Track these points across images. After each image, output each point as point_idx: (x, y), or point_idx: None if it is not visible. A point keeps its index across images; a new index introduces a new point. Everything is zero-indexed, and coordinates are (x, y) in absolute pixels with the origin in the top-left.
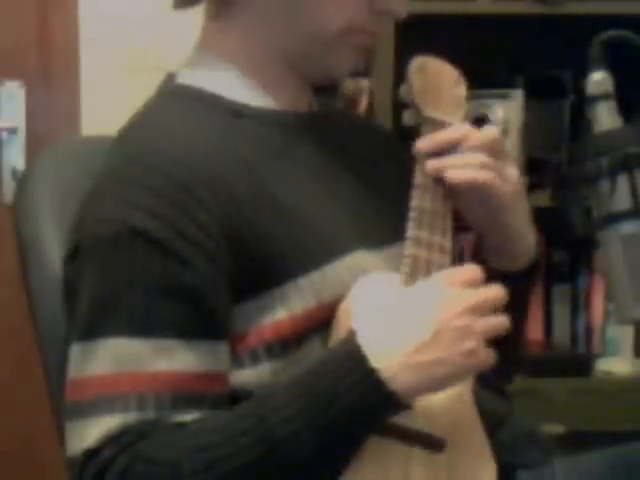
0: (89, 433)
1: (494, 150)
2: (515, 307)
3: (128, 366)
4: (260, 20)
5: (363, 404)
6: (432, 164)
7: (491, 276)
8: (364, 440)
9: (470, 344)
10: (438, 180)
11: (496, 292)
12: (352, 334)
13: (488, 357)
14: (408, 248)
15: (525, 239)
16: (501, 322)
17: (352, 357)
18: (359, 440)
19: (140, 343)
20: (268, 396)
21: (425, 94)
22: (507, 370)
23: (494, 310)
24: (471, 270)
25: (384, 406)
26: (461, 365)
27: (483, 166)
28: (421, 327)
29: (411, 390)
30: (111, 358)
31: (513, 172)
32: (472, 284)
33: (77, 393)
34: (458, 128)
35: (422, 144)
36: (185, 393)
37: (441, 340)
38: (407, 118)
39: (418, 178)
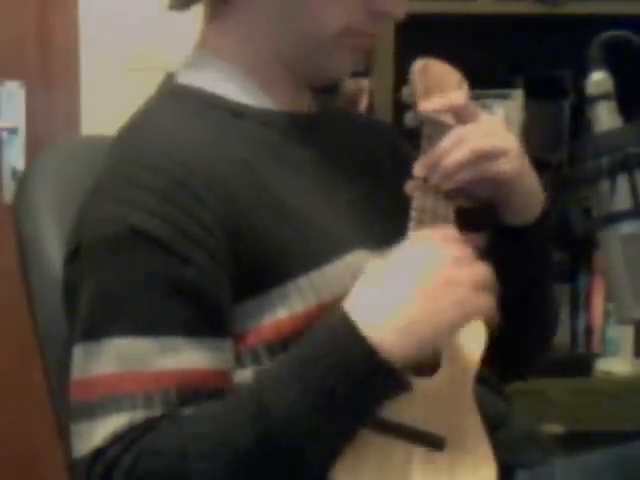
0: (96, 433)
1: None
2: (539, 261)
3: (133, 365)
4: (256, 21)
5: (357, 375)
6: (418, 167)
7: (509, 234)
8: (365, 417)
9: (459, 293)
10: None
11: (469, 249)
12: (340, 307)
13: (480, 304)
14: None
15: (536, 193)
16: (485, 270)
17: (341, 330)
18: (360, 417)
19: (144, 342)
20: (267, 380)
21: (427, 96)
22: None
23: (475, 263)
24: (448, 229)
25: (380, 376)
26: (453, 315)
27: (478, 155)
28: (407, 284)
29: (405, 352)
30: (116, 358)
31: (510, 143)
32: (449, 239)
33: (83, 394)
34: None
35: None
36: (191, 390)
37: (429, 294)
38: (409, 120)
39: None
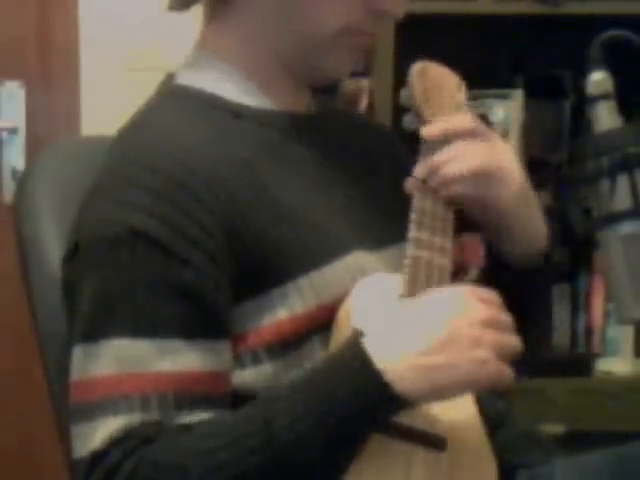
0: (94, 435)
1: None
2: (536, 299)
3: (131, 367)
4: (255, 22)
5: (367, 408)
6: (420, 168)
7: (506, 271)
8: (368, 440)
9: (480, 353)
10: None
11: (509, 317)
12: (356, 335)
13: (499, 370)
14: (409, 249)
15: (536, 227)
16: (514, 342)
17: (355, 359)
18: (363, 441)
19: (143, 344)
20: (273, 399)
21: (426, 98)
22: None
23: (507, 330)
24: (490, 292)
25: (389, 409)
26: (469, 373)
27: (475, 154)
28: (431, 331)
29: (416, 393)
30: (114, 359)
31: (514, 171)
32: (489, 303)
33: (81, 395)
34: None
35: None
36: (188, 393)
37: (451, 346)
38: (408, 122)
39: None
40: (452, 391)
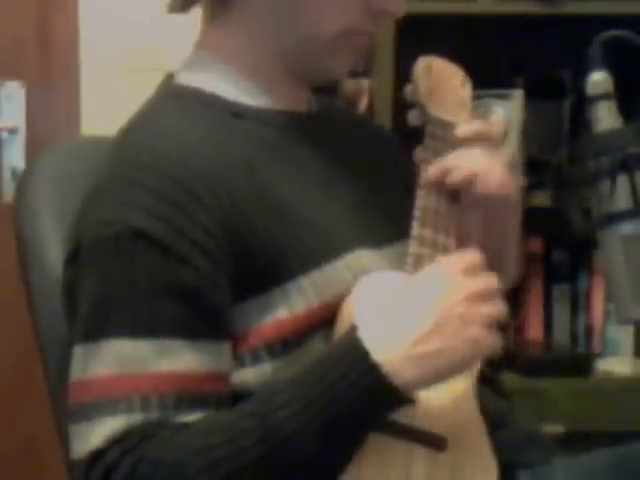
0: (94, 435)
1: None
2: None
3: (131, 367)
4: (256, 22)
5: (365, 401)
6: (434, 169)
7: None
8: (367, 436)
9: (472, 331)
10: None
11: (493, 280)
12: (352, 329)
13: (492, 343)
14: (412, 247)
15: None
16: (500, 309)
17: (352, 352)
18: (362, 436)
19: (142, 344)
20: (270, 395)
21: (431, 94)
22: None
23: (493, 297)
24: (470, 256)
25: (387, 401)
26: (465, 353)
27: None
28: (421, 318)
29: (414, 382)
30: (114, 359)
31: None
32: (471, 271)
33: (81, 395)
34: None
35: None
36: (188, 393)
37: (442, 330)
38: (412, 118)
39: (423, 177)
40: (450, 374)
